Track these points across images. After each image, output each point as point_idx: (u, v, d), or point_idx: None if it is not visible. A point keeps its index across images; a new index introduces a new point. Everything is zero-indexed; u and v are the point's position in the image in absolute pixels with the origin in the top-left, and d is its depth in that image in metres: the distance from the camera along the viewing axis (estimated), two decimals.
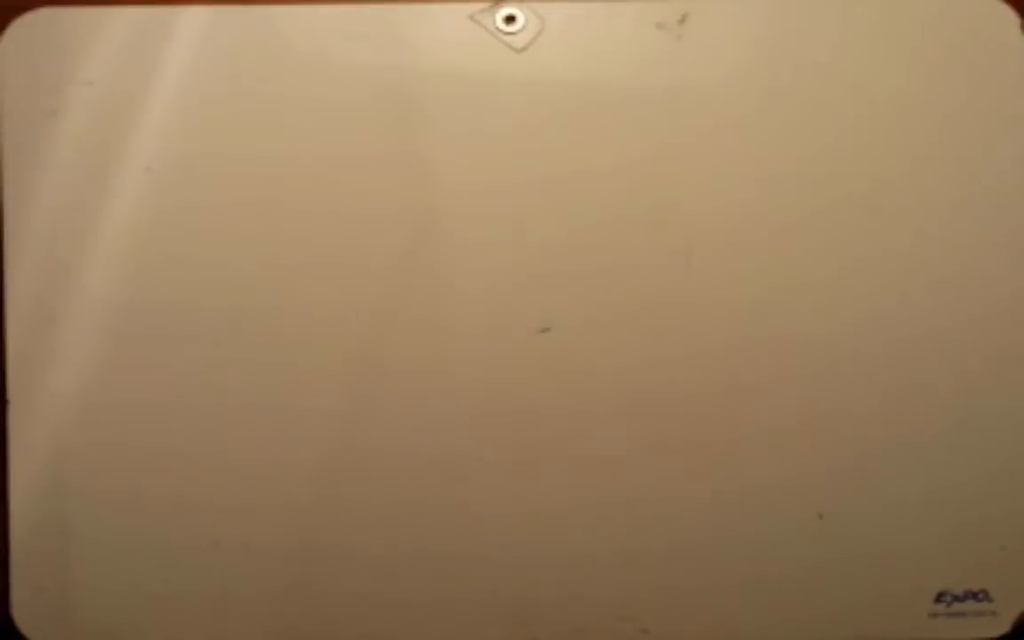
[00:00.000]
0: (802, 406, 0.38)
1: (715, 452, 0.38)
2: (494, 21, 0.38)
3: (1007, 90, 0.38)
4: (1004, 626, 0.38)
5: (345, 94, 0.37)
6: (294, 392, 0.37)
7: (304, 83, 0.37)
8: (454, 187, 0.37)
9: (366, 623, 0.38)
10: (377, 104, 0.37)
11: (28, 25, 0.37)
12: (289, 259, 0.37)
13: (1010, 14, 0.38)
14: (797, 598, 0.38)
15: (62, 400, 0.37)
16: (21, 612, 0.37)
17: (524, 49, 0.38)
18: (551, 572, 0.38)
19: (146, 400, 0.37)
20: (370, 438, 0.37)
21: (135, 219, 0.37)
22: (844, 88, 0.38)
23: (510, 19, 0.38)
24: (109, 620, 0.38)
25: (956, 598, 0.38)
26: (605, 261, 0.37)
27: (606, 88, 0.38)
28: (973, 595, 0.38)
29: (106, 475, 0.37)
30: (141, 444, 0.37)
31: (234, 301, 0.37)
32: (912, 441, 0.38)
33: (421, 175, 0.37)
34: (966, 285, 0.38)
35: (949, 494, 0.38)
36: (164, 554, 0.37)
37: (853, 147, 0.38)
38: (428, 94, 0.37)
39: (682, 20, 0.38)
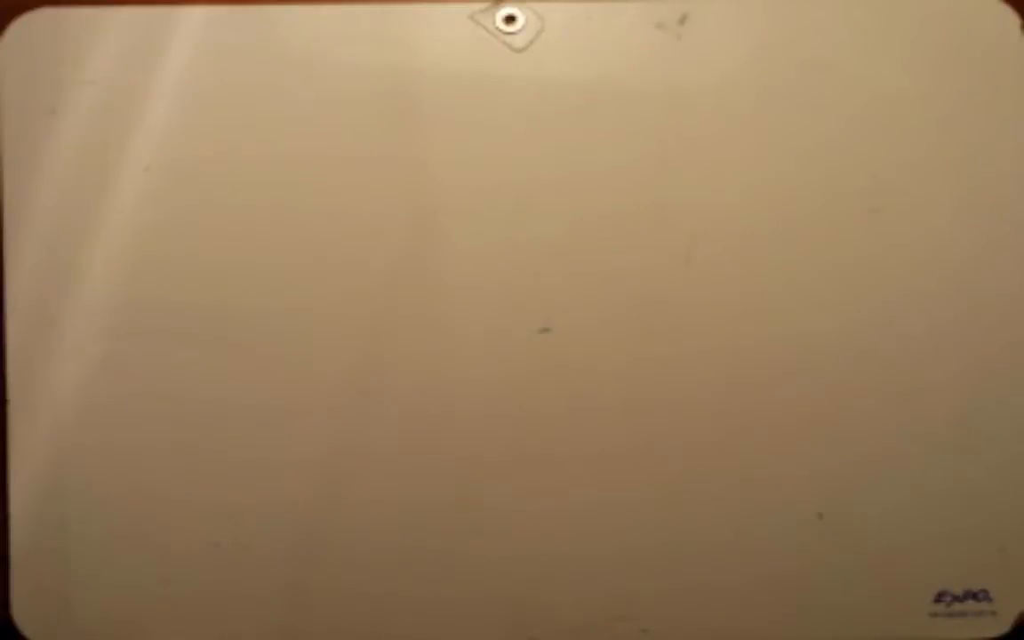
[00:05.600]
0: (802, 405, 0.38)
1: (715, 452, 0.38)
2: (494, 21, 0.38)
3: (1007, 90, 0.38)
4: (1004, 626, 0.38)
5: (345, 94, 0.37)
6: (293, 392, 0.37)
7: (304, 83, 0.37)
8: (454, 187, 0.37)
9: (366, 623, 0.38)
10: (376, 104, 0.37)
11: (28, 25, 0.37)
12: (289, 259, 0.37)
13: (1010, 14, 0.38)
14: (797, 598, 0.38)
15: (62, 400, 0.37)
16: (21, 612, 0.37)
17: (524, 49, 0.38)
18: (551, 572, 0.38)
19: (146, 400, 0.37)
20: (370, 438, 0.37)
21: (135, 219, 0.37)
22: (844, 88, 0.38)
23: (510, 19, 0.38)
24: (109, 620, 0.38)
25: (956, 598, 0.38)
26: (605, 261, 0.37)
27: (606, 88, 0.38)
28: (973, 595, 0.38)
29: (106, 475, 0.37)
30: (141, 444, 0.37)
31: (234, 301, 0.37)
32: (912, 441, 0.38)
33: (421, 175, 0.37)
34: (966, 284, 0.38)
35: (949, 494, 0.38)
36: (164, 554, 0.37)
37: (853, 147, 0.38)
38: (428, 94, 0.37)
39: (682, 20, 0.38)
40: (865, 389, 0.38)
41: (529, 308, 0.37)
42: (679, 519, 0.38)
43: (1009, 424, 0.38)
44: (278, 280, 0.37)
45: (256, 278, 0.37)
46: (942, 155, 0.38)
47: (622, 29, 0.38)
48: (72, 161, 0.37)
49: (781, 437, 0.38)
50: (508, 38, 0.38)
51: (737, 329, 0.38)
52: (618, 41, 0.38)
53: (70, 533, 0.37)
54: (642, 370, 0.37)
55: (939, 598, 0.38)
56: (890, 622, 0.38)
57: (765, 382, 0.38)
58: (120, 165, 0.37)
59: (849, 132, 0.38)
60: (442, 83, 0.37)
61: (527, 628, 0.38)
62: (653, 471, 0.38)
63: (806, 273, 0.38)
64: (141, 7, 0.37)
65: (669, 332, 0.37)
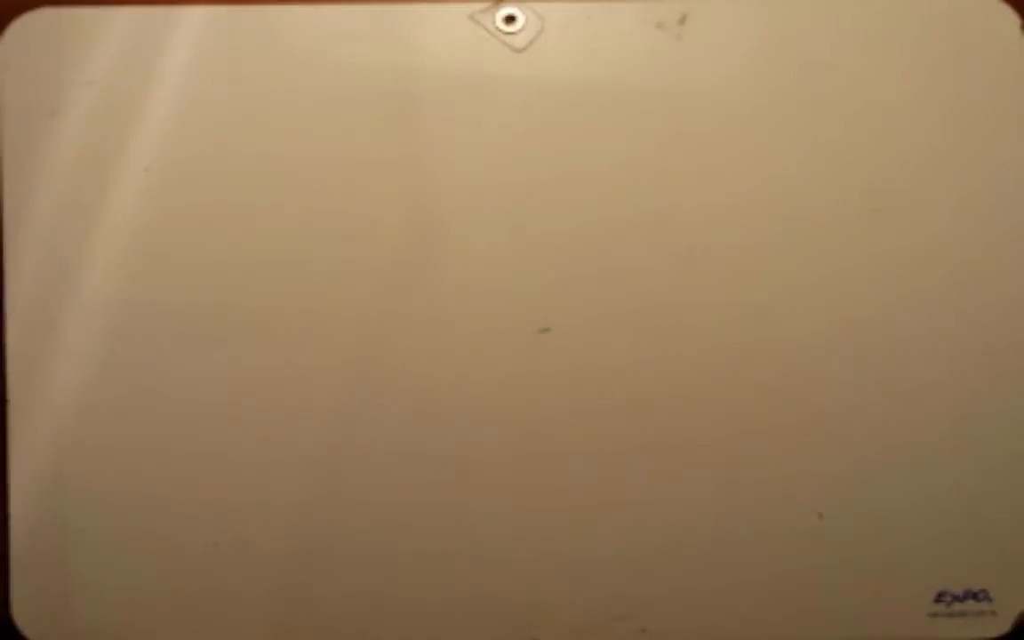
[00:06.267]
0: (802, 406, 0.38)
1: (715, 452, 0.38)
2: (494, 21, 0.38)
3: (1007, 90, 0.38)
4: (1004, 626, 0.38)
5: (345, 94, 0.37)
6: (293, 392, 0.37)
7: (304, 83, 0.37)
8: (454, 187, 0.37)
9: (366, 623, 0.38)
10: (377, 104, 0.37)
11: (28, 25, 0.37)
12: (289, 259, 0.37)
13: (1010, 14, 0.38)
14: (797, 598, 0.38)
15: (62, 400, 0.37)
16: (21, 612, 0.37)
17: (524, 49, 0.38)
18: (551, 572, 0.38)
19: (146, 400, 0.37)
20: (370, 438, 0.37)
21: (135, 219, 0.37)
22: (844, 88, 0.38)
23: (510, 19, 0.38)
24: (109, 620, 0.38)
25: (956, 598, 0.38)
26: (605, 261, 0.37)
27: (606, 88, 0.38)
28: (973, 595, 0.38)
29: (106, 475, 0.37)
30: (141, 444, 0.37)
31: (234, 301, 0.37)
32: (912, 441, 0.38)
33: (421, 175, 0.37)
34: (966, 285, 0.38)
35: (949, 494, 0.38)
36: (164, 554, 0.37)
37: (853, 147, 0.38)
38: (428, 94, 0.37)
39: (682, 20, 0.38)
40: (865, 390, 0.38)
41: (529, 308, 0.37)
42: (679, 519, 0.38)
43: (1009, 424, 0.38)
44: (278, 280, 0.37)
45: (256, 278, 0.37)
46: (942, 155, 0.38)
47: (622, 29, 0.38)
48: (72, 161, 0.37)
49: (781, 437, 0.38)
50: (508, 38, 0.38)
51: (737, 329, 0.38)
52: (618, 41, 0.38)
53: (70, 533, 0.37)
54: (642, 370, 0.37)
55: (939, 598, 0.38)
56: (890, 622, 0.38)
57: (765, 382, 0.38)
58: (120, 165, 0.37)
59: (849, 133, 0.38)
60: (442, 83, 0.37)
61: (527, 628, 0.38)
62: (653, 471, 0.38)
63: (806, 273, 0.38)
64: (141, 7, 0.37)
65: (669, 332, 0.37)
